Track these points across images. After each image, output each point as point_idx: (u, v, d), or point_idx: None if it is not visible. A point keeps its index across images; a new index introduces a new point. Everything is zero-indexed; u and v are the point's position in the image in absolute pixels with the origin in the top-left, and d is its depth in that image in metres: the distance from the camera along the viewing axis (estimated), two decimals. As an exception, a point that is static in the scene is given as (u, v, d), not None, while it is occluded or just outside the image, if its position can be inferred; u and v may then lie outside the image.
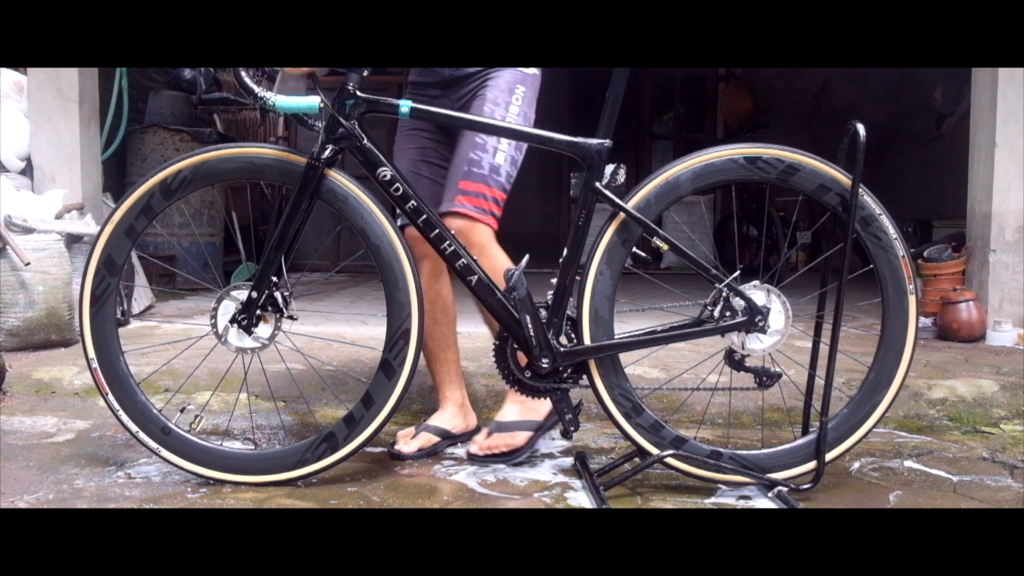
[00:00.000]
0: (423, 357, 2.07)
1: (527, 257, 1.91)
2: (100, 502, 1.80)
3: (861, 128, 1.81)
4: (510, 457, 2.09)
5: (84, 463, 2.05)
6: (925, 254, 3.88)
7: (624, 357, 1.91)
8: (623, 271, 1.88)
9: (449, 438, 2.20)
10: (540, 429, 2.15)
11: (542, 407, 2.14)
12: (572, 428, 1.91)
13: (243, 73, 1.81)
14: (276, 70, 1.89)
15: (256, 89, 1.82)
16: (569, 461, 2.12)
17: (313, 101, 1.82)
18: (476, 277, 1.87)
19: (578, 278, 1.88)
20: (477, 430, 2.22)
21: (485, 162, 2.03)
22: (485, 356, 2.03)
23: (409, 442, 2.13)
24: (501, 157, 2.05)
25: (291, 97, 1.84)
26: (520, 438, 2.11)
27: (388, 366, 1.88)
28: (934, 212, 5.48)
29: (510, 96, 2.06)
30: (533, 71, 2.12)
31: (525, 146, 2.09)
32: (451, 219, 2.00)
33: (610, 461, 2.07)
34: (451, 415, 2.21)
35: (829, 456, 1.89)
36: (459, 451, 2.19)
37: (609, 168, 1.85)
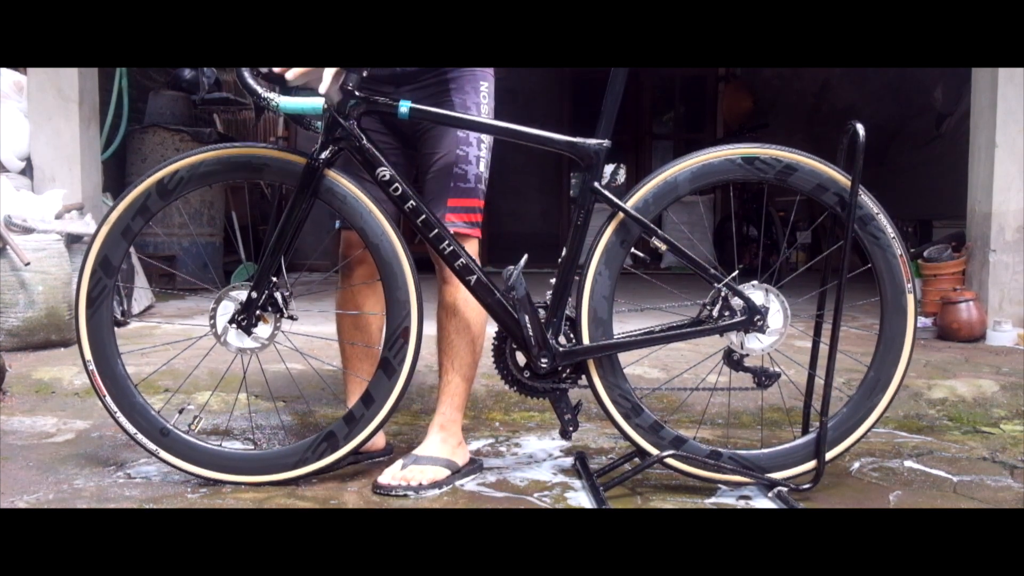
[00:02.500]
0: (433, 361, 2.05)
1: (526, 256, 1.91)
2: (100, 502, 1.80)
3: (860, 128, 1.81)
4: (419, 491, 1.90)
5: (84, 463, 2.05)
6: (925, 254, 3.88)
7: (623, 357, 1.91)
8: (622, 271, 1.88)
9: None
10: (458, 472, 1.98)
11: (464, 452, 2.02)
12: (571, 428, 1.91)
13: (246, 73, 1.81)
14: (275, 71, 1.88)
15: (259, 89, 1.82)
16: (569, 461, 2.12)
17: (317, 102, 1.81)
18: (475, 277, 1.87)
19: (577, 278, 1.88)
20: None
21: (471, 174, 1.99)
22: (484, 356, 2.03)
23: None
24: (482, 165, 2.01)
25: (294, 98, 1.84)
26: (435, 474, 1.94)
27: (388, 365, 1.88)
28: (934, 212, 5.47)
29: (478, 96, 2.00)
30: None
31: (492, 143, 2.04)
32: None
33: (610, 461, 2.07)
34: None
35: (829, 456, 1.89)
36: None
37: (608, 168, 1.85)
